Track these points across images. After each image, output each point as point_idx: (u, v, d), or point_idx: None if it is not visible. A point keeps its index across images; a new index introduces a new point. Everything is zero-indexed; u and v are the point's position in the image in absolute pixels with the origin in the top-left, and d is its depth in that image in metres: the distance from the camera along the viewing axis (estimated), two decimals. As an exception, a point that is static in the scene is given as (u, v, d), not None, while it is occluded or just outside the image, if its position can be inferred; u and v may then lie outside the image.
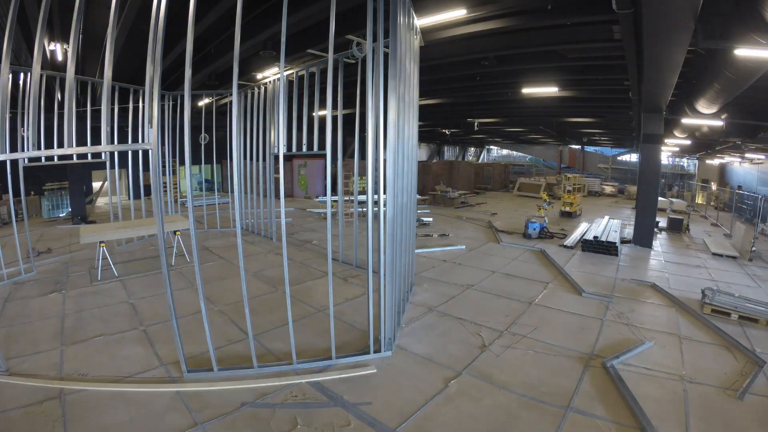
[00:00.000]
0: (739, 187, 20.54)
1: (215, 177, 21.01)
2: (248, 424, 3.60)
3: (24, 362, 4.46)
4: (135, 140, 10.25)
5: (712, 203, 20.29)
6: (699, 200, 22.67)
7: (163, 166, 11.39)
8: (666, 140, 16.17)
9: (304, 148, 10.61)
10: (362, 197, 11.09)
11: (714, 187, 23.88)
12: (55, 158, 9.09)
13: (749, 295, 7.01)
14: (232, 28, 3.96)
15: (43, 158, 8.34)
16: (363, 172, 12.03)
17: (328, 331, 4.64)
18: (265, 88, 10.48)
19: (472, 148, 40.96)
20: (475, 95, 14.29)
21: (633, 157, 33.91)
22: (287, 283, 4.31)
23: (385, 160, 4.67)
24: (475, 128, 21.44)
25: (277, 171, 11.87)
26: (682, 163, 33.02)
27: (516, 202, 21.20)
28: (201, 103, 13.87)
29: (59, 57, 9.29)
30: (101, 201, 16.86)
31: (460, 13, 6.54)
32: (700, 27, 5.82)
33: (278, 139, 9.44)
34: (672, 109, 11.82)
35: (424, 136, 30.45)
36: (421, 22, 6.76)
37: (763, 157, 20.45)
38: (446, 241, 11.07)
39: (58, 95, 9.63)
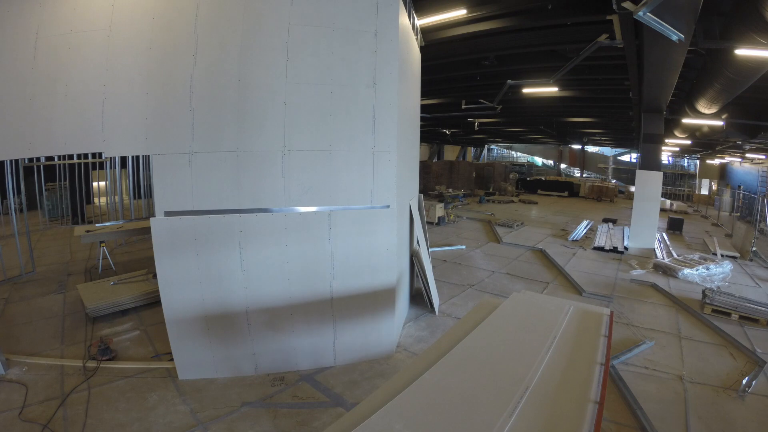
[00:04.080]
0: (740, 187, 20.52)
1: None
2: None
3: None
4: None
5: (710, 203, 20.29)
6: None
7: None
8: (666, 140, 16.15)
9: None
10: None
11: (714, 186, 23.87)
12: (56, 158, 9.10)
13: (749, 295, 7.01)
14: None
15: (43, 158, 8.35)
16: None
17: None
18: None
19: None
20: (475, 95, 14.28)
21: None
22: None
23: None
24: (476, 128, 21.41)
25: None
26: (682, 163, 32.98)
27: (517, 204, 21.22)
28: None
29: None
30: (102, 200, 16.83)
31: (460, 13, 6.53)
32: (700, 27, 5.82)
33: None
34: (672, 109, 11.80)
35: (424, 136, 30.46)
36: (421, 22, 6.76)
37: (763, 157, 20.43)
38: (447, 241, 11.07)
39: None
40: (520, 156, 41.41)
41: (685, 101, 10.74)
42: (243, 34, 3.99)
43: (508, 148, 40.53)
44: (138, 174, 10.68)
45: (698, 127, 13.02)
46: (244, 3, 4.00)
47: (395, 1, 4.40)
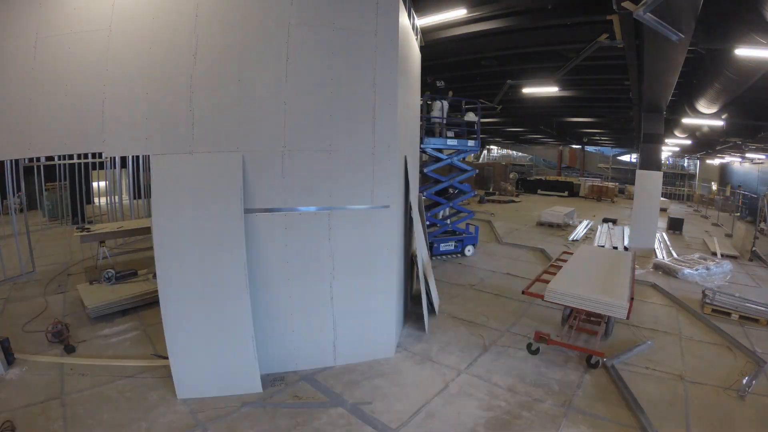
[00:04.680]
0: (740, 187, 20.52)
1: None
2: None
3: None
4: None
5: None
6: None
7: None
8: (666, 140, 16.16)
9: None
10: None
11: (714, 187, 23.86)
12: (56, 158, 9.10)
13: (749, 295, 7.00)
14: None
15: (43, 158, 8.34)
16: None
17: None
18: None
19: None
20: (475, 95, 14.31)
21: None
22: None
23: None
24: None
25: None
26: (682, 163, 32.99)
27: (517, 203, 21.20)
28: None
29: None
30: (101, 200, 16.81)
31: (460, 13, 6.54)
32: (700, 27, 5.82)
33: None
34: (672, 109, 11.80)
35: (424, 136, 30.38)
36: (421, 22, 6.76)
37: (763, 157, 20.44)
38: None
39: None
40: (520, 156, 41.39)
41: (685, 101, 10.74)
42: (243, 33, 3.99)
43: (509, 147, 40.52)
44: (138, 174, 10.68)
45: (698, 127, 13.03)
46: (244, 3, 4.00)
47: (395, 1, 4.40)
